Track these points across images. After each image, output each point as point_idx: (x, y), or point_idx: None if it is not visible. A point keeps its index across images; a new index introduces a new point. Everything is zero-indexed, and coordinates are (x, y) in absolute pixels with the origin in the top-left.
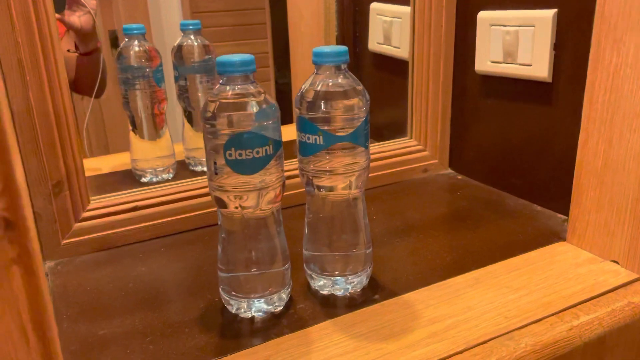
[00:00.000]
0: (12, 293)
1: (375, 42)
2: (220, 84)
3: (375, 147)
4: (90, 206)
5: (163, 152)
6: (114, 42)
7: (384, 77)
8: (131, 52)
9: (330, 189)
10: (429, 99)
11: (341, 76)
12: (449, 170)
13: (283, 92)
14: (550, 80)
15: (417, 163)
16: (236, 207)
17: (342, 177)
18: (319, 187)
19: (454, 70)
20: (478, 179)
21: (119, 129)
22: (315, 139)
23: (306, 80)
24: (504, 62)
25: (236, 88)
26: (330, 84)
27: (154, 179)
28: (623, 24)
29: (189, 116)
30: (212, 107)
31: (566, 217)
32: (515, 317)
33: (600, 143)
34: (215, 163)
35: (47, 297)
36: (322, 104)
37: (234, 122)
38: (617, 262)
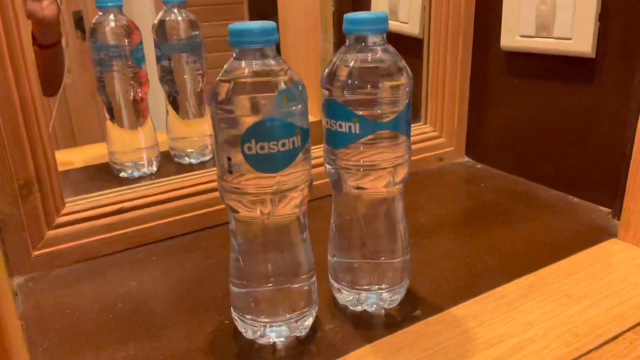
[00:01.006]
0: None
1: None
2: (233, 58)
3: None
4: (65, 210)
5: (145, 143)
6: (79, 23)
7: None
8: (107, 28)
9: (366, 186)
10: (445, 80)
11: (380, 49)
12: (466, 159)
13: None
14: (593, 55)
15: (432, 151)
16: (255, 213)
17: (381, 173)
18: (351, 185)
19: (474, 47)
20: (500, 168)
21: (87, 118)
22: (350, 126)
23: (335, 55)
24: (536, 37)
25: (254, 64)
26: (369, 58)
27: (135, 174)
28: None
29: (173, 101)
30: (225, 88)
31: (610, 210)
32: (587, 334)
33: None
34: (229, 159)
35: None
36: (360, 83)
37: (254, 106)
38: None
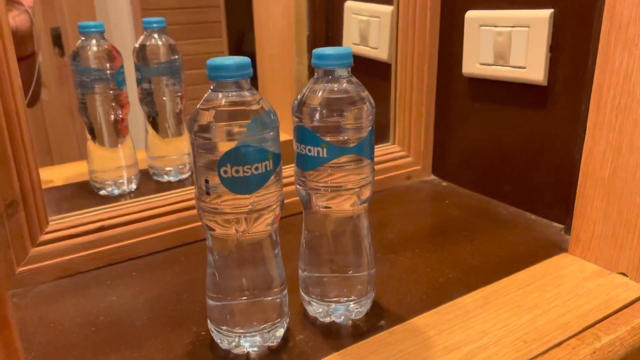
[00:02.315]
0: None
1: (350, 43)
2: (211, 90)
3: None
4: (49, 228)
5: (125, 162)
6: (57, 40)
7: (361, 79)
8: (89, 53)
9: (333, 206)
10: (412, 102)
11: (345, 81)
12: (433, 177)
13: None
14: (545, 83)
15: (400, 170)
16: (230, 230)
17: (346, 193)
18: (319, 204)
19: (439, 72)
20: (465, 186)
21: (65, 135)
22: (318, 151)
23: (305, 86)
24: (494, 65)
25: (230, 95)
26: (335, 89)
27: (115, 191)
28: (636, 25)
29: (153, 121)
30: (205, 116)
31: (563, 226)
32: (535, 341)
33: (608, 151)
34: (207, 181)
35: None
36: (327, 112)
37: (229, 134)
38: (625, 275)
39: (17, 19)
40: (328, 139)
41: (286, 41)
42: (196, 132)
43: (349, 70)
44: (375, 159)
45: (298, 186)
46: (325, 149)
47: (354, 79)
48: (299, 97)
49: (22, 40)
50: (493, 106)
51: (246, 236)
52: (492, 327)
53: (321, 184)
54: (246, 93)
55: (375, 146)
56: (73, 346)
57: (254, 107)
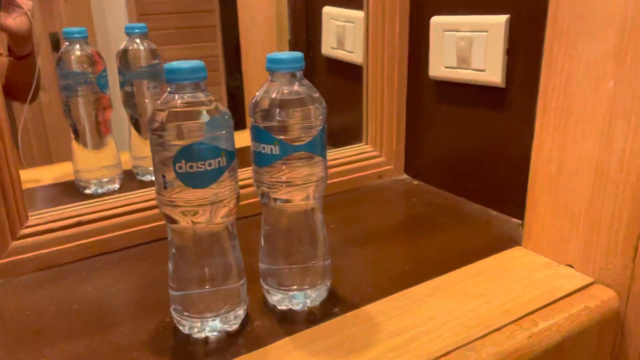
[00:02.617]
0: None
1: (328, 47)
2: (168, 92)
3: (330, 154)
4: (28, 222)
5: (108, 162)
6: (56, 45)
7: (338, 82)
8: (72, 57)
9: (287, 200)
10: (384, 104)
11: (297, 83)
12: (405, 176)
13: (235, 96)
14: (503, 85)
15: (372, 169)
16: (188, 223)
17: (299, 188)
18: (275, 199)
19: (409, 75)
20: (434, 184)
21: (63, 137)
22: (271, 148)
23: (260, 88)
24: (457, 68)
25: (186, 96)
26: (286, 91)
27: (99, 190)
28: (576, 30)
29: (135, 123)
30: (160, 116)
31: (521, 222)
32: (476, 326)
33: (554, 149)
34: (164, 176)
35: None
36: (277, 112)
37: (183, 132)
38: (572, 267)
39: (17, 20)
40: (280, 137)
41: (268, 45)
42: (153, 131)
43: (301, 73)
44: (348, 158)
45: (255, 182)
46: (277, 147)
47: (305, 81)
48: (253, 99)
49: (23, 40)
50: (458, 108)
51: (203, 228)
52: (438, 314)
53: (275, 180)
54: (201, 95)
55: (348, 146)
56: (46, 331)
57: (208, 108)
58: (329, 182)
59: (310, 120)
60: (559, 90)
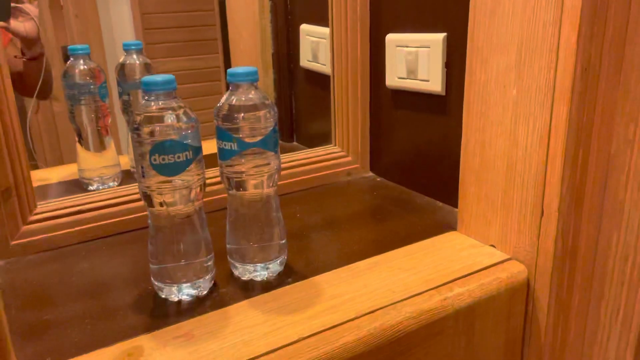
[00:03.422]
0: None
1: (305, 60)
2: (145, 100)
3: (302, 154)
4: (36, 210)
5: (108, 162)
6: (67, 57)
7: (314, 91)
8: (76, 71)
9: (246, 188)
10: (349, 110)
11: (252, 92)
12: (370, 174)
13: None
14: (444, 93)
15: (341, 167)
16: (161, 205)
17: (254, 177)
18: (236, 187)
19: (370, 84)
20: (394, 180)
21: (73, 142)
22: (231, 145)
23: (223, 95)
24: (407, 78)
25: (160, 103)
26: (243, 98)
27: (101, 187)
28: (488, 47)
29: None
30: (137, 119)
31: None
32: (401, 291)
33: (476, 146)
34: (142, 167)
35: None
36: (235, 115)
37: (156, 131)
38: (494, 247)
39: (26, 24)
40: (238, 135)
41: (254, 58)
42: (133, 130)
43: (255, 83)
44: (319, 158)
45: (220, 174)
46: (235, 144)
47: (259, 90)
48: (217, 105)
49: (31, 43)
50: (411, 113)
51: (176, 210)
52: (372, 282)
53: (235, 171)
54: (172, 102)
55: (319, 147)
56: (50, 297)
57: (177, 112)
58: (302, 178)
59: (262, 121)
60: (478, 97)
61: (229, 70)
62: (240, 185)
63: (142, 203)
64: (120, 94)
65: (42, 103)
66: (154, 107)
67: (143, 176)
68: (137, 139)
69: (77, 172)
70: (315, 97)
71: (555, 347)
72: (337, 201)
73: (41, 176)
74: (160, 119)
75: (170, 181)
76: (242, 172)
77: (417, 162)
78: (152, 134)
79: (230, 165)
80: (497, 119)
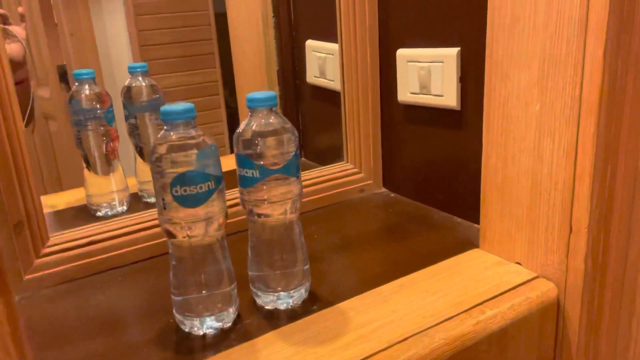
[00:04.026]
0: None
1: (312, 76)
2: (165, 130)
3: (316, 172)
4: (49, 242)
5: (117, 187)
6: (63, 76)
7: (322, 107)
8: (82, 96)
9: (268, 215)
10: (360, 126)
11: (272, 117)
12: (383, 190)
13: (234, 117)
14: (459, 108)
15: (354, 184)
16: (184, 237)
17: (277, 205)
18: (258, 215)
19: (381, 100)
20: (408, 196)
21: (72, 165)
22: (252, 172)
23: (242, 121)
24: (420, 93)
25: (180, 132)
26: (263, 123)
27: (109, 212)
28: (508, 62)
29: (140, 151)
30: (159, 150)
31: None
32: (431, 316)
33: (498, 162)
34: (163, 199)
35: (21, 325)
36: (256, 142)
37: (178, 162)
38: (520, 264)
39: (12, 47)
40: (260, 163)
41: (259, 75)
42: (153, 162)
43: (274, 108)
44: (332, 175)
45: (241, 201)
46: (257, 171)
47: (279, 114)
48: (237, 131)
49: (18, 66)
50: (424, 128)
51: (198, 241)
52: (400, 308)
53: (257, 198)
54: (191, 131)
55: (331, 165)
56: (68, 333)
57: (198, 141)
58: (315, 197)
59: (284, 147)
60: (498, 113)
61: (248, 96)
62: (262, 213)
63: (155, 231)
64: (127, 117)
65: (37, 123)
66: (174, 137)
67: (164, 208)
68: (157, 171)
69: (83, 198)
70: (322, 113)
71: None
72: (353, 219)
73: (46, 202)
74: (181, 149)
75: (192, 213)
76: (264, 200)
77: (432, 177)
78: (173, 165)
79: (252, 193)
80: (519, 135)
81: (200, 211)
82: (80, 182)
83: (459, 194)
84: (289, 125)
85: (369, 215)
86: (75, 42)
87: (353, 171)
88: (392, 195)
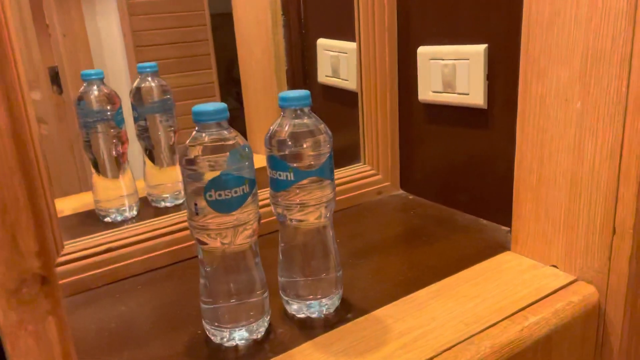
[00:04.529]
0: (49, 342)
1: (324, 75)
2: (196, 131)
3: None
4: (64, 251)
5: (126, 191)
6: (55, 78)
7: (334, 107)
8: (92, 97)
9: (302, 220)
10: (378, 127)
11: (306, 117)
12: (401, 191)
13: (238, 119)
14: (485, 107)
15: (371, 187)
16: (217, 244)
17: (312, 208)
18: (291, 219)
19: (400, 99)
20: (428, 198)
21: (64, 170)
22: (287, 175)
23: (274, 122)
24: (444, 92)
25: (212, 134)
26: (298, 123)
27: (118, 218)
28: (546, 58)
29: (149, 154)
30: (192, 152)
31: (509, 229)
32: (474, 323)
33: (533, 162)
34: (196, 204)
35: (72, 344)
36: (291, 143)
37: (212, 165)
38: (556, 267)
39: None
40: (294, 165)
41: (267, 76)
42: (185, 165)
43: (309, 108)
44: (349, 177)
45: (272, 205)
46: (292, 173)
47: (313, 114)
48: (269, 132)
49: None
50: (446, 128)
51: (230, 248)
52: (439, 314)
53: (290, 202)
54: (224, 132)
55: (348, 166)
56: (90, 348)
57: (231, 142)
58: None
59: (319, 148)
60: (534, 111)
61: (280, 95)
62: (296, 217)
63: (173, 237)
64: (136, 119)
65: None
66: (207, 139)
67: (197, 214)
68: (190, 174)
69: (88, 203)
70: (335, 114)
71: None
72: (374, 222)
73: None
74: (215, 151)
75: (226, 218)
76: (298, 204)
77: (455, 178)
78: (208, 167)
79: (285, 196)
80: (558, 133)
81: (234, 217)
82: (75, 188)
83: (485, 195)
84: (323, 125)
85: (389, 218)
86: (68, 43)
87: (371, 172)
88: (411, 197)
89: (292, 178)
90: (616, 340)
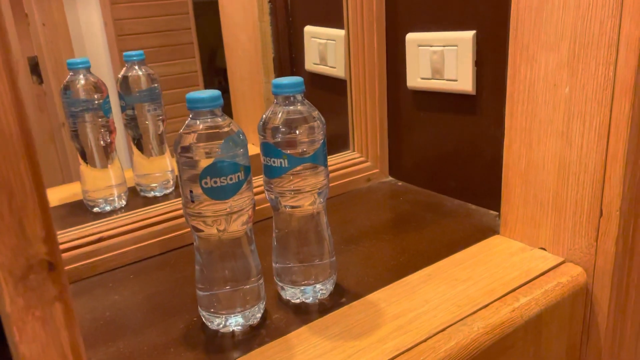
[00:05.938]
0: (56, 328)
1: (311, 63)
2: (190, 118)
3: None
4: None
5: (115, 181)
6: (34, 68)
7: (322, 95)
8: (78, 86)
9: (296, 206)
10: (367, 114)
11: (299, 104)
12: (390, 178)
13: (226, 106)
14: (474, 93)
15: (360, 174)
16: (212, 231)
17: (306, 195)
18: (285, 205)
19: (388, 86)
20: (417, 184)
21: (45, 161)
22: (280, 162)
23: (268, 109)
24: (432, 79)
25: (207, 121)
26: (291, 110)
27: (107, 208)
28: (535, 44)
29: (137, 143)
30: (187, 139)
31: (497, 213)
32: (466, 305)
33: (522, 147)
34: (191, 192)
35: (78, 329)
36: (285, 130)
37: (208, 152)
38: (544, 249)
39: None
40: (288, 151)
41: (254, 63)
42: (180, 153)
43: (302, 95)
44: (338, 165)
45: (266, 192)
46: (286, 160)
47: (306, 101)
48: (262, 119)
49: None
50: (435, 114)
51: (226, 234)
52: (432, 297)
53: (285, 189)
54: (219, 119)
55: (337, 154)
56: (86, 337)
57: (226, 130)
58: None
59: (313, 135)
60: (523, 96)
61: (273, 82)
62: (290, 204)
63: (165, 225)
64: (124, 108)
65: None
66: (201, 126)
67: (192, 201)
68: (186, 162)
69: (75, 194)
70: (323, 101)
71: (614, 348)
72: (364, 209)
73: None
74: (210, 138)
75: (222, 205)
76: (292, 190)
77: (443, 164)
78: (203, 155)
79: (279, 183)
80: (546, 118)
81: (230, 204)
82: (57, 179)
83: (473, 180)
84: (316, 112)
85: (379, 204)
86: (47, 32)
87: (360, 160)
88: (400, 183)
89: (286, 165)
90: (603, 319)
